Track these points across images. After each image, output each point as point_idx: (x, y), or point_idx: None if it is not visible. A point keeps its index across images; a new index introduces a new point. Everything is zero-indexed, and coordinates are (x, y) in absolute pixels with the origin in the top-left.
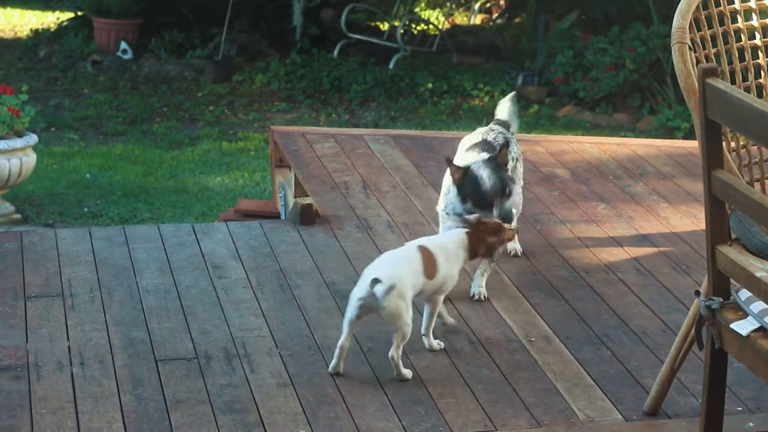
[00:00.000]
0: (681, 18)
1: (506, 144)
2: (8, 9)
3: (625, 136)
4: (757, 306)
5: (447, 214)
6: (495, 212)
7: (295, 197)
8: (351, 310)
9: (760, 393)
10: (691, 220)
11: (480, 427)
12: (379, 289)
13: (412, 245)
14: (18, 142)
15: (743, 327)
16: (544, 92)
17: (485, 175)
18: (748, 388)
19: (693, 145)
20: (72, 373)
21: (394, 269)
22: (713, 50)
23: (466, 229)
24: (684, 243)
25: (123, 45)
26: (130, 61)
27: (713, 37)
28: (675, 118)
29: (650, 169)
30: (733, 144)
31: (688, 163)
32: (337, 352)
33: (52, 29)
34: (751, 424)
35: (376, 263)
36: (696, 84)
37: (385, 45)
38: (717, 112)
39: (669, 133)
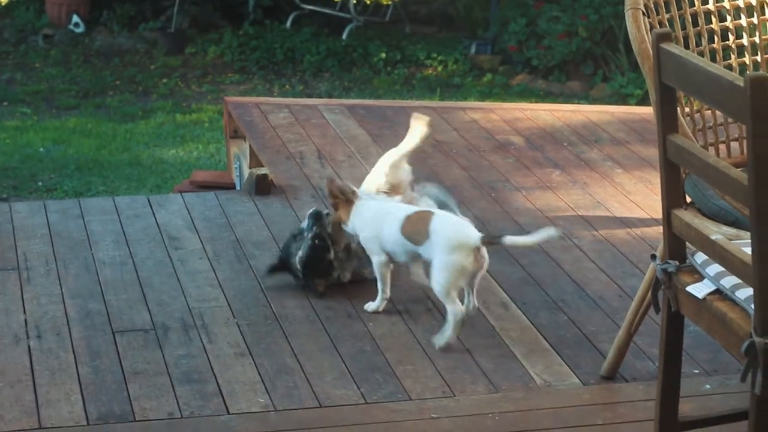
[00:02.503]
0: None
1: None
2: None
3: (578, 104)
4: (713, 269)
5: None
6: None
7: (250, 168)
8: (462, 279)
9: (717, 356)
10: (646, 185)
11: (438, 393)
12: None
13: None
14: None
15: (699, 290)
16: (497, 61)
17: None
18: (704, 350)
19: (646, 111)
20: (29, 346)
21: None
22: (666, 15)
23: None
24: (639, 208)
25: (75, 18)
26: (82, 34)
27: (666, 3)
28: (628, 85)
29: (604, 135)
30: (687, 109)
31: (641, 129)
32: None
33: (2, 3)
34: (707, 386)
35: (459, 227)
36: (650, 49)
37: (338, 15)
38: (671, 76)
39: (622, 100)
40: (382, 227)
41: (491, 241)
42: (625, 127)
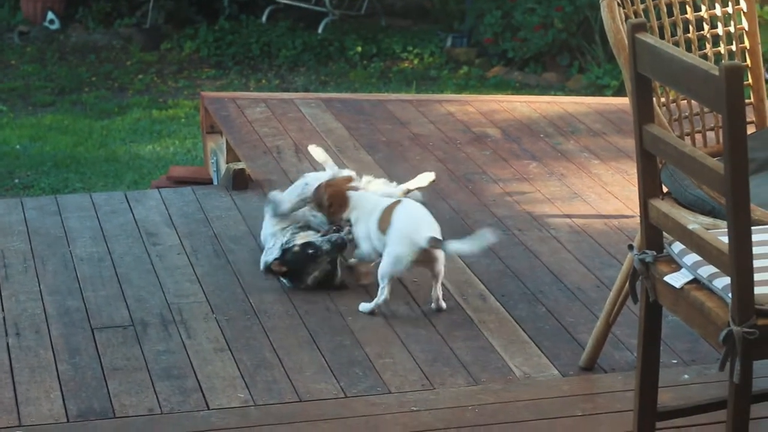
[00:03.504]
0: None
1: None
2: None
3: (554, 95)
4: (690, 258)
5: None
6: None
7: (227, 163)
8: (400, 269)
9: (695, 345)
10: (623, 176)
11: (418, 386)
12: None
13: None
14: None
15: (677, 279)
16: (473, 53)
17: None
18: (682, 340)
19: (623, 101)
20: (8, 344)
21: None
22: (642, 6)
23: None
24: (616, 199)
25: (50, 15)
26: (58, 31)
27: None
28: (604, 76)
29: (581, 126)
30: (663, 99)
31: (618, 119)
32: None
33: None
34: (686, 376)
35: (414, 220)
36: (626, 40)
37: (314, 9)
38: (647, 66)
39: (598, 91)
40: (370, 225)
41: (435, 245)
42: (602, 118)
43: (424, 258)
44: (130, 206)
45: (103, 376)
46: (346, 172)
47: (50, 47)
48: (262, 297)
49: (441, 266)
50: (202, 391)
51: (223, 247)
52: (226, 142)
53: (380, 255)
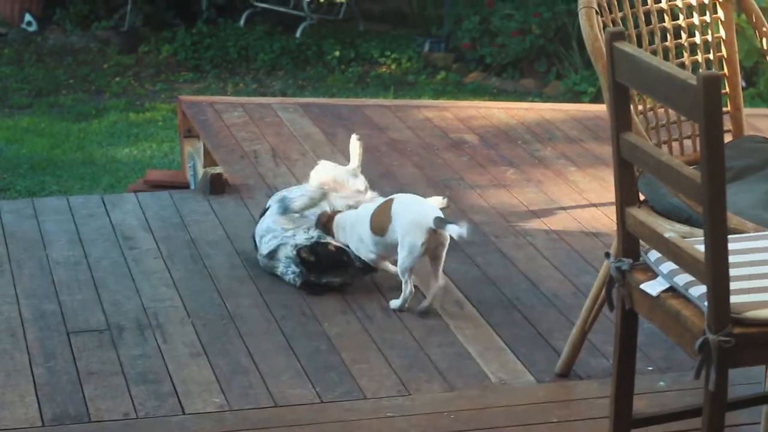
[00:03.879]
0: None
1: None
2: None
3: (532, 101)
4: (667, 266)
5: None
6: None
7: (204, 167)
8: (417, 257)
9: (670, 353)
10: (600, 183)
11: (394, 392)
12: (454, 229)
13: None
14: None
15: (653, 287)
16: (450, 59)
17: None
18: (658, 348)
19: (600, 108)
20: None
21: (433, 205)
22: (620, 14)
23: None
24: (593, 206)
25: (27, 17)
26: (35, 33)
27: (620, 1)
28: (581, 83)
29: (558, 133)
30: (640, 107)
31: (595, 126)
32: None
33: None
34: (662, 383)
35: (415, 207)
36: (603, 48)
37: (292, 13)
38: (625, 75)
39: (575, 98)
40: (360, 233)
41: (440, 225)
42: (579, 124)
43: (435, 242)
44: (106, 210)
45: (78, 381)
46: (361, 179)
47: (27, 49)
48: (238, 302)
49: (445, 251)
50: (177, 395)
51: (200, 252)
52: (204, 146)
53: (383, 258)
